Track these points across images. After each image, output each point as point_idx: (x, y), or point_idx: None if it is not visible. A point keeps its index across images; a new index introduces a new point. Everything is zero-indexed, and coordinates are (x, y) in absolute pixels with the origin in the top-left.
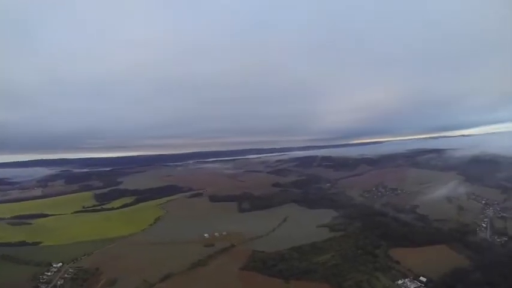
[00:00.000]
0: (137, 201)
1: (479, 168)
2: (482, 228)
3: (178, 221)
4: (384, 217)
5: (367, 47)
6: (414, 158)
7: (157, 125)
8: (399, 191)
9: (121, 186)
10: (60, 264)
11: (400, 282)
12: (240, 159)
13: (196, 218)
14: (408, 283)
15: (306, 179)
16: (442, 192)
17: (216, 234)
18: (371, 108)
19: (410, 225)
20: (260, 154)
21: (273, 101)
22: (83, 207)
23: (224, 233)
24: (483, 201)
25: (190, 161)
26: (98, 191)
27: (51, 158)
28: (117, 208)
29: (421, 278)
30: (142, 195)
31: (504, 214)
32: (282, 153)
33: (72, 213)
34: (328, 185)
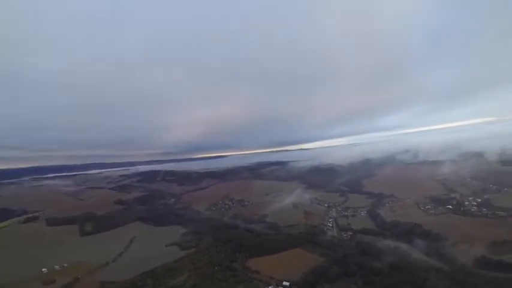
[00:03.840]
0: None
1: (319, 176)
2: (329, 228)
3: (10, 256)
4: (235, 229)
5: (216, 63)
6: (258, 171)
7: None
8: (246, 202)
9: None
10: None
11: None
12: (81, 175)
13: (31, 249)
14: None
15: (150, 194)
16: (288, 200)
17: (56, 267)
18: (215, 123)
19: (262, 234)
20: (102, 169)
21: (116, 111)
22: None
23: (65, 264)
24: (326, 205)
25: (26, 178)
26: None
27: None
28: None
29: (284, 283)
30: None
31: (345, 213)
32: (125, 168)
33: None
34: (173, 200)
